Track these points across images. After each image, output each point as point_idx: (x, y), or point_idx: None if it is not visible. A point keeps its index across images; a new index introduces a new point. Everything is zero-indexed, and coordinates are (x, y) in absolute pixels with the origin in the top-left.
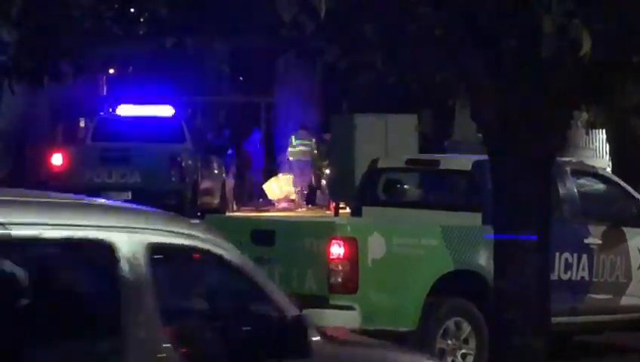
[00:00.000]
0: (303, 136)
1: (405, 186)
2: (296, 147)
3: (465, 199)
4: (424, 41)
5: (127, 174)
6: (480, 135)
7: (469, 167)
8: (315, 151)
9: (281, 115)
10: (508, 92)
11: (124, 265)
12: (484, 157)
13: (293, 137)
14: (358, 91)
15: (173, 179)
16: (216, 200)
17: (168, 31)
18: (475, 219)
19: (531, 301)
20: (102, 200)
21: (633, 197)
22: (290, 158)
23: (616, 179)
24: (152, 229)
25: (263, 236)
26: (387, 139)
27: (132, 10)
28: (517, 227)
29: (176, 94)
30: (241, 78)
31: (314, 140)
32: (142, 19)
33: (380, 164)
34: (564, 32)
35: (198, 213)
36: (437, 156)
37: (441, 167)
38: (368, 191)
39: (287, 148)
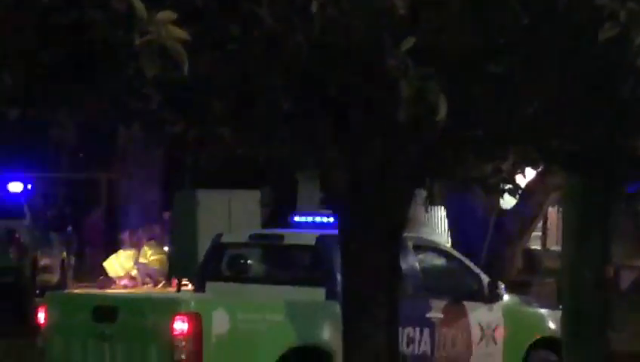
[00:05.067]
0: (155, 246)
1: (249, 261)
2: (150, 257)
3: (309, 274)
4: (272, 115)
5: None
6: (324, 206)
7: (312, 242)
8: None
9: (122, 191)
10: (358, 165)
11: None
12: (329, 232)
13: (146, 247)
14: (201, 166)
15: (12, 255)
16: (55, 278)
17: (12, 102)
18: (319, 293)
19: None
20: None
21: (473, 271)
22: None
23: (456, 253)
24: None
25: (105, 313)
26: (230, 214)
27: None
28: (365, 300)
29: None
30: (81, 155)
31: (166, 250)
32: None
33: (224, 239)
34: (422, 96)
35: (37, 291)
36: (280, 231)
37: (285, 242)
38: (212, 266)
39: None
